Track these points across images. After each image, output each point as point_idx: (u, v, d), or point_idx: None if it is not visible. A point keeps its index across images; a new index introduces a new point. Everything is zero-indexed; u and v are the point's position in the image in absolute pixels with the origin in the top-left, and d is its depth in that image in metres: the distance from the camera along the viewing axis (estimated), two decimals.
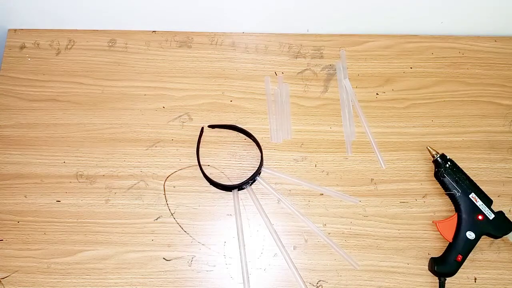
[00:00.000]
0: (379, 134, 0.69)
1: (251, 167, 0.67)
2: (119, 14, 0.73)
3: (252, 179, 0.65)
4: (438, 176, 0.65)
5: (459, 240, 0.61)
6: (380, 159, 0.67)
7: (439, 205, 0.65)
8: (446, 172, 0.64)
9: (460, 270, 0.60)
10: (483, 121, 0.70)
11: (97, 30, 0.75)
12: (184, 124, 0.70)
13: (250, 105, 0.71)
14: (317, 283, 0.61)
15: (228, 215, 0.64)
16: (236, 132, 0.69)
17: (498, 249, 0.63)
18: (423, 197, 0.66)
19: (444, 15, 0.73)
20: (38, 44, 0.74)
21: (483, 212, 0.62)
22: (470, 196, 0.62)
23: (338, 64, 0.73)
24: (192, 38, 0.75)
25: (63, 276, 0.61)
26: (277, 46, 0.75)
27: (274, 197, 0.65)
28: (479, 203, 0.62)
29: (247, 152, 0.68)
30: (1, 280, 0.61)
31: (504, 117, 0.71)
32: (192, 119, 0.70)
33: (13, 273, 0.62)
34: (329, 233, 0.64)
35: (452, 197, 0.64)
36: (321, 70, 0.73)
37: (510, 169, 0.67)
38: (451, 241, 0.61)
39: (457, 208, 0.63)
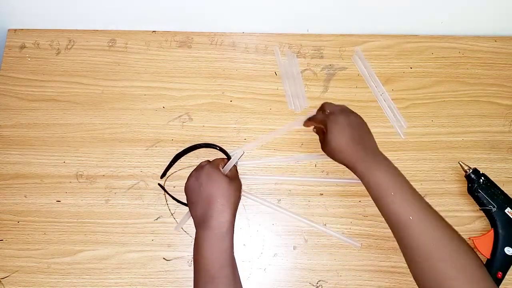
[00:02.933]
0: (379, 134, 0.69)
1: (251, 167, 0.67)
2: (119, 14, 0.73)
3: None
4: (471, 191, 0.63)
5: (498, 257, 0.59)
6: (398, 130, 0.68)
7: (439, 205, 0.65)
8: (480, 187, 0.62)
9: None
10: (483, 121, 0.70)
11: (97, 30, 0.75)
12: (184, 124, 0.70)
13: (250, 105, 0.71)
14: (317, 283, 0.61)
15: None
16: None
17: None
18: (423, 197, 0.65)
19: (444, 15, 0.73)
20: (38, 44, 0.74)
21: None
22: (506, 211, 0.61)
23: (355, 57, 0.73)
24: (192, 38, 0.75)
25: (63, 276, 0.61)
26: (277, 46, 0.74)
27: (274, 197, 0.65)
28: None
29: (247, 152, 0.68)
30: (1, 280, 0.61)
31: (504, 117, 0.71)
32: (192, 119, 0.70)
33: (13, 273, 0.62)
34: None
35: (487, 213, 0.62)
36: (321, 70, 0.73)
37: (510, 169, 0.67)
38: (489, 258, 0.60)
39: (493, 224, 0.61)
